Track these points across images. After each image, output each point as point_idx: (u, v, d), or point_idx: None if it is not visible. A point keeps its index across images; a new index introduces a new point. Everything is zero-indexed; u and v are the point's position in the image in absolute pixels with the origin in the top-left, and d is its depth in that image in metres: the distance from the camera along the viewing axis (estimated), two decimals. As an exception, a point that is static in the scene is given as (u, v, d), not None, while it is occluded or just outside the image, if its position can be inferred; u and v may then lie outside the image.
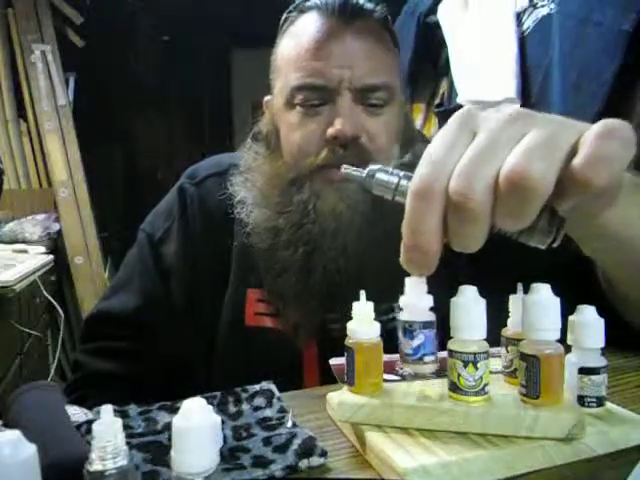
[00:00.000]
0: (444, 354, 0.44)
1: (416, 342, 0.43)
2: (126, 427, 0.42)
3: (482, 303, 0.42)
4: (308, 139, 0.68)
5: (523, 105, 1.43)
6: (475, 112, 0.37)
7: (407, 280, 0.45)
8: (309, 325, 0.69)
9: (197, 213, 0.76)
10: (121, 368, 0.71)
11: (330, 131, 0.66)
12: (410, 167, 0.72)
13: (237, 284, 0.73)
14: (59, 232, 2.50)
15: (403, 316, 0.44)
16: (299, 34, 0.71)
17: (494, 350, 0.50)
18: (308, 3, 0.72)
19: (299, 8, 0.73)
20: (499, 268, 0.69)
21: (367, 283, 0.65)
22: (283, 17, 0.75)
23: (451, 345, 0.43)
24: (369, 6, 0.71)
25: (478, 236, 0.34)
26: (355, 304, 0.46)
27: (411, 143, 0.74)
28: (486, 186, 0.33)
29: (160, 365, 0.73)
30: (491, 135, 0.34)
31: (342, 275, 0.68)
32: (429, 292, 0.46)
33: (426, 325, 0.43)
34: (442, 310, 0.45)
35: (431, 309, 0.46)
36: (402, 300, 0.45)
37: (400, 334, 0.45)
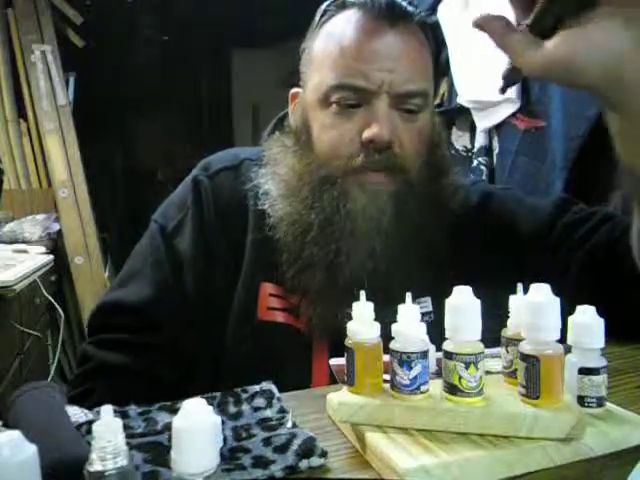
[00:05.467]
0: (440, 354, 0.44)
1: (413, 373, 0.43)
2: (126, 427, 0.42)
3: (478, 304, 0.43)
4: (343, 140, 0.68)
5: (523, 105, 1.43)
6: None
7: (400, 308, 0.45)
8: (325, 321, 0.69)
9: (211, 205, 0.75)
10: (131, 360, 0.70)
11: (367, 134, 0.66)
12: (437, 170, 0.72)
13: (250, 278, 0.73)
14: (59, 232, 2.50)
15: (398, 346, 0.43)
16: (340, 31, 0.69)
17: (494, 350, 0.50)
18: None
19: (338, 3, 0.72)
20: (495, 268, 0.69)
21: (392, 284, 0.66)
22: (321, 10, 0.74)
23: (449, 347, 0.43)
24: (412, 9, 0.71)
25: None
26: (355, 304, 0.46)
27: (437, 148, 0.75)
28: None
29: (171, 357, 0.72)
30: None
31: (368, 275, 0.68)
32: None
33: (424, 355, 0.43)
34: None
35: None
36: (394, 328, 0.44)
37: (395, 364, 0.44)
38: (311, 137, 0.71)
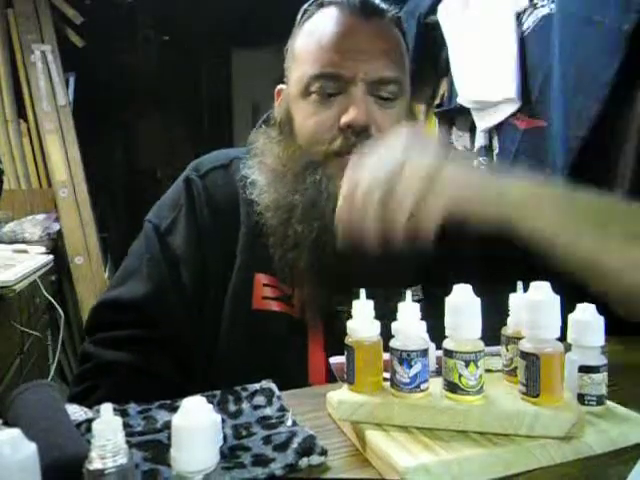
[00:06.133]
0: (440, 353, 0.44)
1: (413, 371, 0.43)
2: (126, 426, 0.42)
3: (478, 302, 0.43)
4: (323, 126, 0.72)
5: (523, 105, 1.43)
6: None
7: (400, 305, 0.45)
8: (316, 302, 0.71)
9: (204, 202, 0.77)
10: (130, 357, 0.71)
11: (344, 119, 0.70)
12: None
13: (244, 270, 0.75)
14: (59, 232, 2.50)
15: (398, 344, 0.44)
16: (319, 27, 0.74)
17: (494, 349, 0.50)
18: None
19: (317, 3, 0.77)
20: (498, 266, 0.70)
21: (376, 263, 0.67)
22: (301, 10, 0.79)
23: (449, 345, 0.43)
24: (384, 6, 0.76)
25: None
26: (355, 302, 0.46)
27: None
28: None
29: (169, 353, 0.73)
30: None
31: (352, 253, 0.68)
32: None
33: (424, 353, 0.43)
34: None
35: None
36: (395, 326, 0.44)
37: (395, 362, 0.44)
38: (294, 127, 0.75)
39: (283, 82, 0.81)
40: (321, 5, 0.76)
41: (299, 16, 0.79)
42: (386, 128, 0.71)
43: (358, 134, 0.70)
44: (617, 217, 0.60)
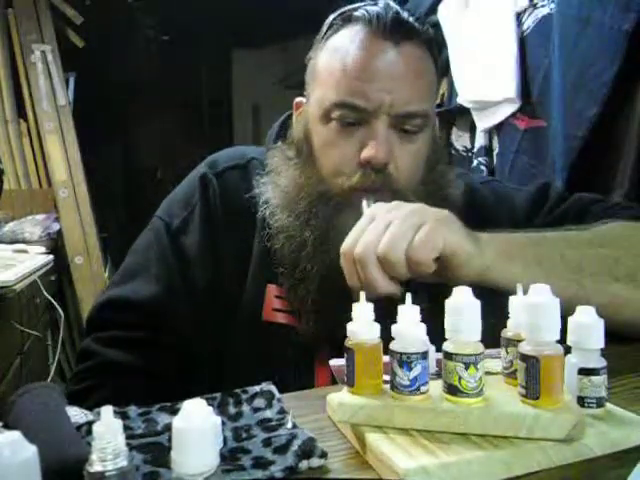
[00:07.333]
0: (439, 355, 0.44)
1: (413, 373, 0.43)
2: (126, 428, 0.42)
3: (478, 304, 0.43)
4: (343, 159, 0.69)
5: (523, 105, 1.43)
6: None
7: (400, 308, 0.45)
8: (325, 328, 0.69)
9: (219, 203, 0.75)
10: (139, 359, 0.70)
11: (364, 154, 0.67)
12: (434, 188, 0.75)
13: (257, 279, 0.73)
14: (59, 232, 2.50)
15: (397, 347, 0.44)
16: (344, 47, 0.70)
17: (494, 351, 0.50)
18: (356, 13, 0.71)
19: (345, 16, 0.72)
20: None
21: (386, 300, 0.68)
22: (327, 23, 0.74)
23: (449, 347, 0.43)
24: (418, 27, 0.71)
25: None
26: (355, 305, 0.46)
27: (436, 165, 0.76)
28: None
29: (178, 356, 0.72)
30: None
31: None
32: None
33: (423, 356, 0.43)
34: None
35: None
36: (394, 329, 0.44)
37: (395, 365, 0.44)
38: (312, 151, 0.72)
39: (298, 88, 0.78)
40: (349, 20, 0.71)
41: (324, 28, 0.74)
42: (405, 164, 0.69)
43: (377, 171, 0.68)
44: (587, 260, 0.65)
